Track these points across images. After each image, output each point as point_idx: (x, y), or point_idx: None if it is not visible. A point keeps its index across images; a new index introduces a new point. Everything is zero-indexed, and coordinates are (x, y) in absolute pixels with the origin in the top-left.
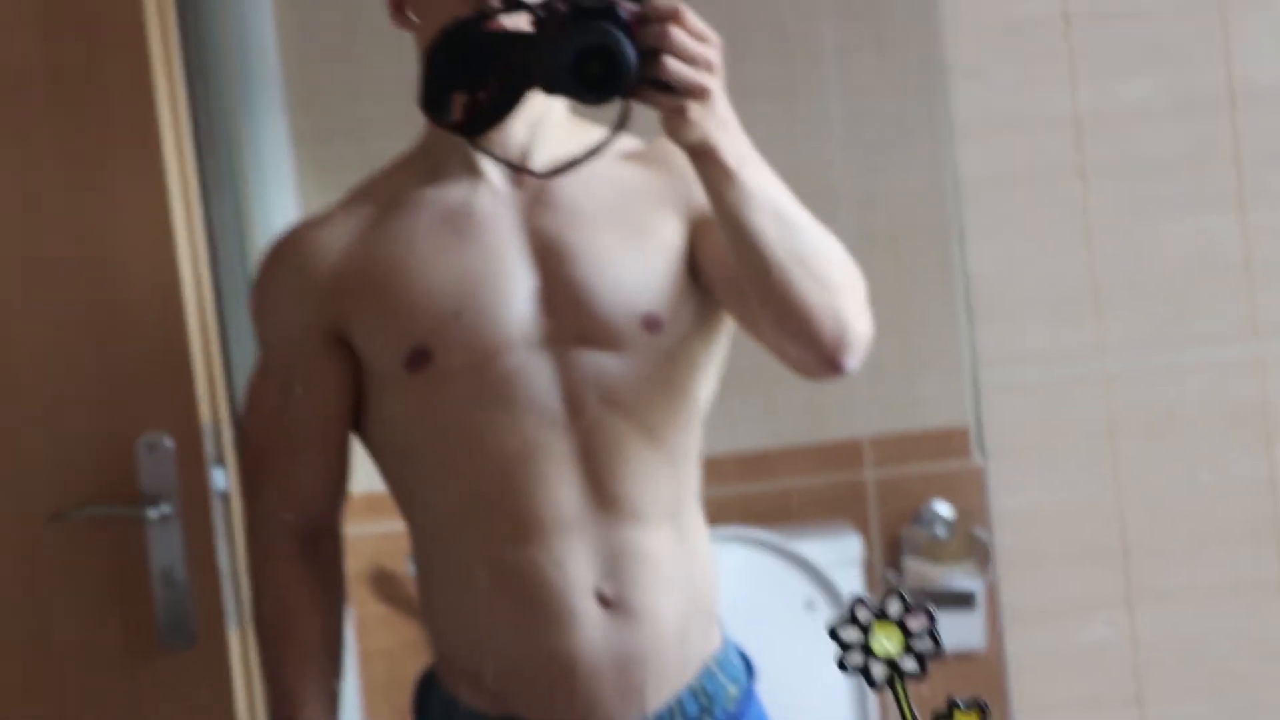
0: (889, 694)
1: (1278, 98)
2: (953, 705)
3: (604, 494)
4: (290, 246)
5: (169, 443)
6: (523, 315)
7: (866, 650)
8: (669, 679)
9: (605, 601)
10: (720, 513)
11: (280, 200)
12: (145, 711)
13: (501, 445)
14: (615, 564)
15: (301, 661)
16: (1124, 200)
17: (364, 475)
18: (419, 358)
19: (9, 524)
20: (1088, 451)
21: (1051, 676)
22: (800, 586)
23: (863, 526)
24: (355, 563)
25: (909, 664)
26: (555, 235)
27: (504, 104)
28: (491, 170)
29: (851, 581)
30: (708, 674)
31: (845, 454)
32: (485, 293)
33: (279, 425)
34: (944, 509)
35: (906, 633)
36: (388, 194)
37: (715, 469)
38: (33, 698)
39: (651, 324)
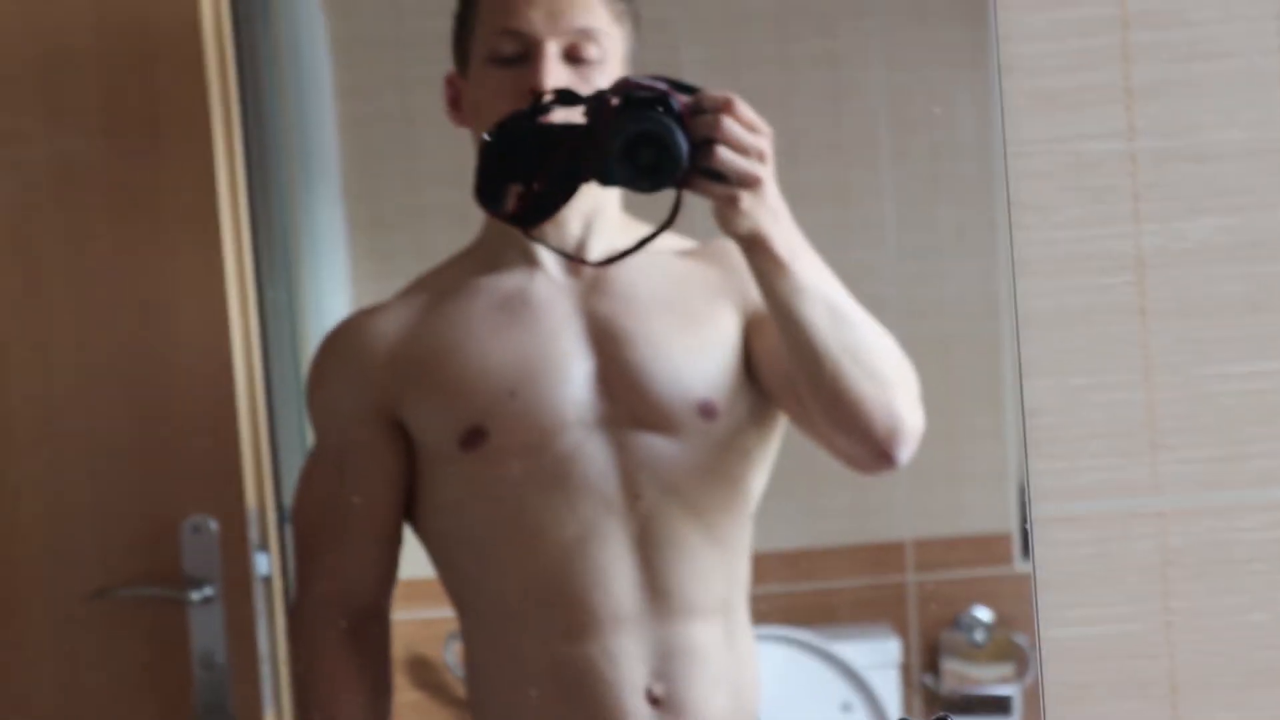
0: None
1: None
2: None
3: (659, 586)
4: (347, 332)
5: (214, 525)
6: (579, 397)
7: None
8: None
9: (655, 700)
10: (760, 612)
11: (334, 289)
12: None
13: (560, 529)
14: (666, 661)
15: None
16: (1183, 340)
17: (405, 562)
18: (474, 437)
19: (50, 602)
20: (1139, 587)
21: None
22: (838, 688)
23: (902, 629)
24: (393, 649)
25: None
26: (612, 320)
27: (558, 195)
28: (548, 259)
29: (889, 684)
30: None
31: (886, 556)
32: (541, 373)
33: (330, 510)
34: (983, 614)
35: None
36: (445, 284)
37: (756, 567)
38: None
39: (707, 411)
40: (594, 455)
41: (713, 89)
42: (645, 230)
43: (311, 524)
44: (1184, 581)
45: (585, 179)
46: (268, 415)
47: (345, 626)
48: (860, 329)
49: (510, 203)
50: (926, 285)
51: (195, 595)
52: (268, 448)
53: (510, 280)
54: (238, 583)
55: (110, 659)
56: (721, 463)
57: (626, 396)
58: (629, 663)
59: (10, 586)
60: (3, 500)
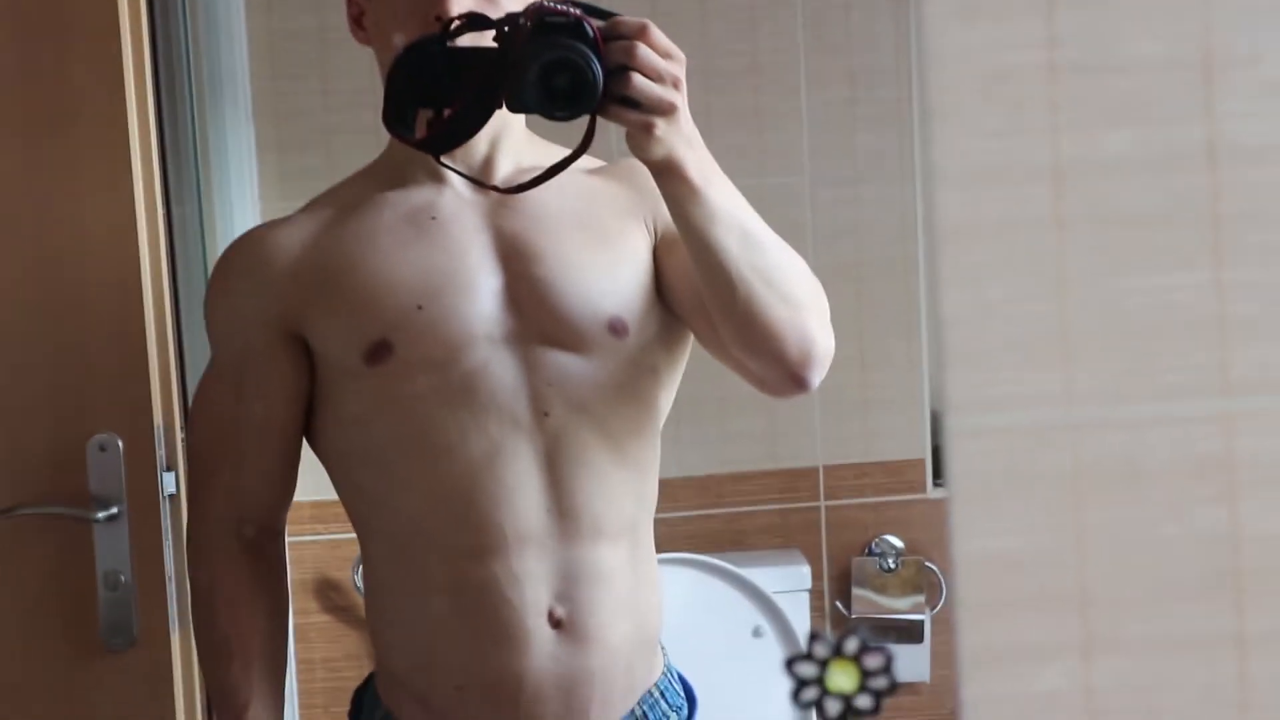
0: None
1: (1256, 156)
2: None
3: (565, 506)
4: (247, 247)
5: (120, 444)
6: (487, 312)
7: (822, 686)
8: (614, 705)
9: (557, 623)
10: (671, 537)
11: (243, 207)
12: (84, 712)
13: (466, 446)
14: (570, 584)
15: (246, 663)
16: (1099, 252)
17: (311, 483)
18: (379, 350)
19: None
20: (1051, 499)
21: None
22: (749, 613)
23: (813, 556)
24: (300, 571)
25: (864, 701)
26: (521, 236)
27: (470, 121)
28: (456, 176)
29: (800, 610)
30: (650, 701)
31: (798, 482)
32: (448, 288)
33: (228, 426)
34: (895, 541)
35: (863, 670)
36: (349, 199)
37: (667, 492)
38: None
39: (617, 328)
40: (502, 372)
41: (626, 14)
42: (550, 149)
43: (208, 441)
44: (1095, 495)
45: (497, 105)
46: (175, 334)
47: (242, 545)
48: (773, 252)
49: (420, 128)
50: (842, 210)
51: (101, 514)
52: (175, 366)
53: (417, 196)
54: (144, 502)
55: (15, 577)
56: (631, 381)
57: (535, 313)
58: (532, 583)
59: None
60: None
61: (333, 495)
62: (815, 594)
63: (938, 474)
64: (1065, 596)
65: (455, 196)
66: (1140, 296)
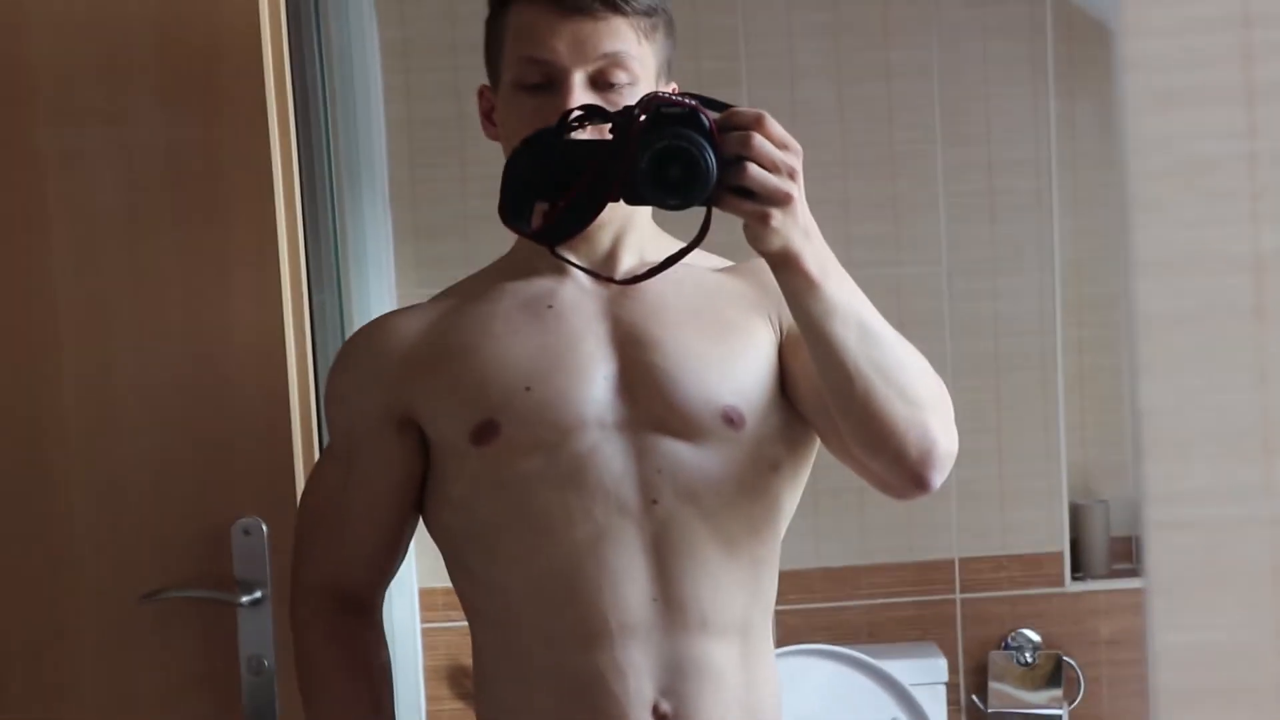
0: None
1: None
2: None
3: (672, 596)
4: (367, 333)
5: (264, 528)
6: (598, 397)
7: None
8: None
9: (661, 717)
10: (808, 628)
11: (380, 295)
12: None
13: (571, 529)
14: (676, 677)
15: None
16: None
17: (445, 570)
18: (485, 430)
19: (103, 602)
20: (1250, 593)
21: None
22: (886, 705)
23: (949, 648)
24: (432, 658)
25: None
26: (638, 325)
27: (584, 212)
28: (578, 259)
29: (937, 703)
30: None
31: (934, 575)
32: (559, 371)
33: (332, 504)
34: (1032, 635)
35: None
36: (473, 289)
37: (804, 583)
38: None
39: (733, 419)
40: (611, 457)
41: (743, 106)
42: (677, 244)
43: (312, 514)
44: None
45: (612, 197)
46: (318, 419)
47: (333, 615)
48: (893, 349)
49: (535, 220)
50: (980, 301)
51: (245, 598)
52: (317, 450)
53: (538, 285)
54: (287, 586)
55: (161, 660)
56: (746, 474)
57: (648, 399)
58: (637, 676)
59: (65, 586)
60: (59, 499)
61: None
62: (951, 687)
63: (1075, 567)
64: (1264, 690)
65: (575, 287)
66: None
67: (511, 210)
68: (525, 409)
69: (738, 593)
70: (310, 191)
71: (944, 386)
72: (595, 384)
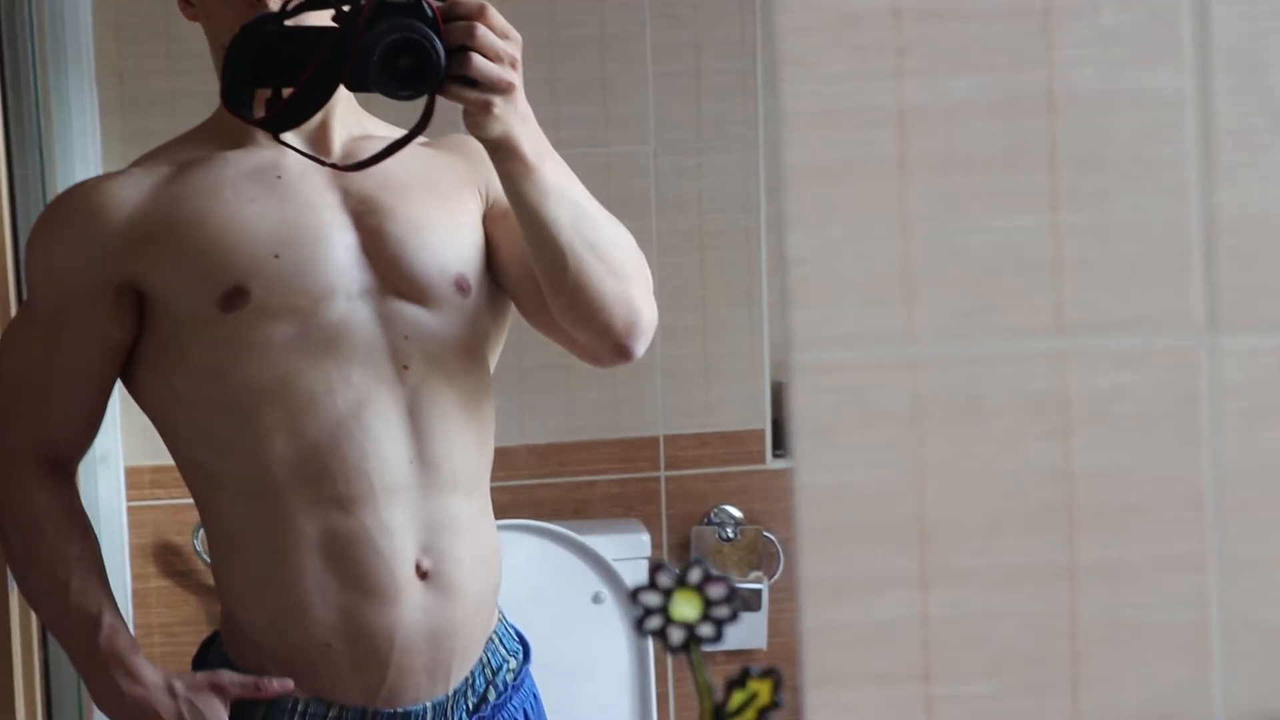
0: (668, 686)
1: (1093, 103)
2: (745, 673)
3: (428, 458)
4: (76, 197)
5: None
6: (343, 265)
7: (666, 615)
8: (470, 654)
9: (424, 574)
10: (513, 504)
11: (86, 169)
12: None
13: (333, 396)
14: (434, 535)
15: (85, 576)
16: (941, 195)
17: (152, 448)
18: (235, 296)
19: None
20: (892, 434)
21: (844, 650)
22: (590, 580)
23: (653, 524)
24: (138, 536)
25: (706, 630)
26: (369, 195)
27: (311, 101)
28: (293, 138)
29: (640, 577)
30: (491, 648)
31: (640, 452)
32: (304, 239)
33: (36, 370)
34: (734, 511)
35: (706, 600)
36: (185, 156)
37: (510, 460)
38: None
39: (462, 286)
40: (362, 324)
41: None
42: (375, 120)
43: (12, 378)
44: (934, 430)
45: (338, 85)
46: (17, 293)
47: (48, 474)
48: (603, 226)
49: (259, 107)
50: (686, 180)
51: None
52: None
53: (260, 156)
54: None
55: None
56: (474, 339)
57: (389, 267)
58: (401, 535)
59: None
60: None
61: (172, 460)
62: (654, 562)
63: (778, 445)
64: (904, 528)
65: (299, 158)
66: (980, 238)
67: (233, 97)
68: (275, 275)
69: (477, 453)
70: (13, 65)
71: (645, 260)
72: (339, 252)
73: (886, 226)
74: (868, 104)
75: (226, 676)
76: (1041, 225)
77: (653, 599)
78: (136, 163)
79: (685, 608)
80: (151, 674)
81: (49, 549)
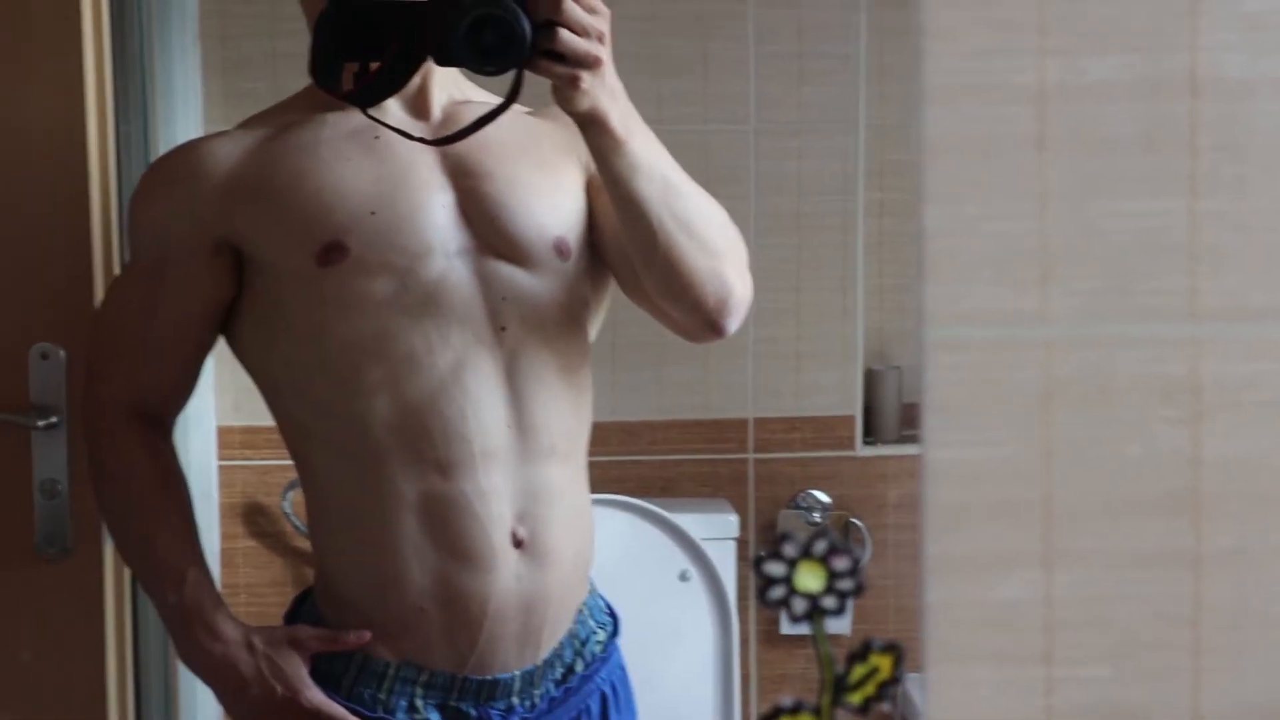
0: (750, 667)
1: (1235, 89)
2: (867, 646)
3: (526, 422)
4: (179, 156)
5: (62, 354)
6: (440, 223)
7: (790, 586)
8: (561, 624)
9: (519, 542)
10: (601, 480)
11: (187, 129)
12: (15, 619)
13: (433, 357)
14: (530, 502)
15: (175, 534)
16: (1079, 175)
17: (244, 408)
18: (332, 251)
19: None
20: (1021, 413)
21: (966, 629)
22: (676, 558)
23: (741, 506)
24: (228, 495)
25: (830, 602)
26: (467, 156)
27: (397, 75)
28: (393, 103)
29: (727, 558)
30: (580, 619)
31: (729, 433)
32: (400, 197)
33: (136, 325)
34: (822, 496)
35: (831, 572)
36: (288, 118)
37: (600, 436)
38: None
39: (562, 249)
40: (460, 284)
41: None
42: (475, 90)
43: (113, 332)
44: (1064, 410)
45: (424, 60)
46: (120, 247)
47: (143, 428)
48: (694, 201)
49: (346, 81)
50: (785, 161)
51: (41, 422)
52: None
53: (359, 118)
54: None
55: None
56: (574, 304)
57: (487, 227)
58: (497, 501)
59: None
60: None
61: (264, 420)
62: (741, 544)
63: (868, 431)
64: (1030, 508)
65: (397, 121)
66: (1117, 220)
67: (322, 70)
68: (372, 231)
69: (574, 420)
70: (120, 23)
71: (740, 235)
72: (436, 211)
73: (1023, 205)
74: (1008, 81)
75: (305, 631)
76: (1179, 210)
77: (777, 569)
78: (239, 125)
79: (809, 579)
80: (232, 630)
81: (140, 501)
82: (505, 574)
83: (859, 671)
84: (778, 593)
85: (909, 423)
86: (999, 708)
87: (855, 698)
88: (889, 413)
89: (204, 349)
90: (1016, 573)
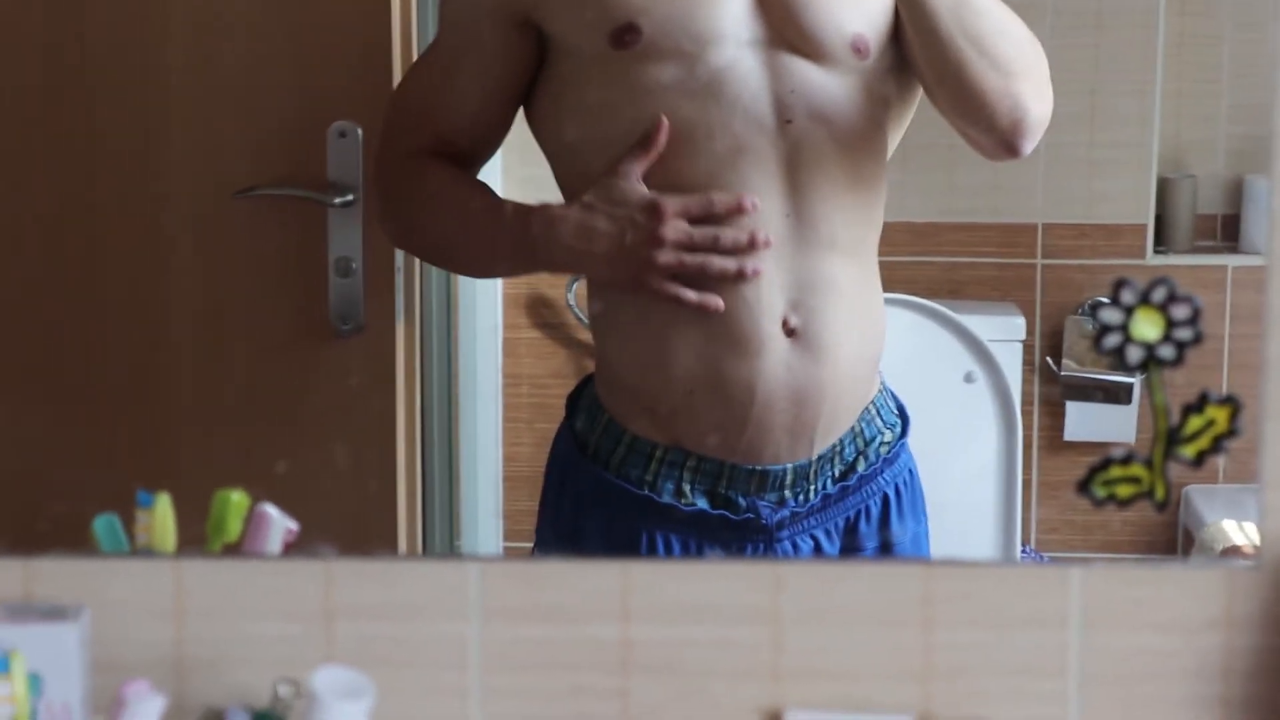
0: (1032, 473)
1: None
2: (1204, 398)
3: (804, 213)
4: None
5: (359, 132)
6: (734, 11)
7: (1126, 333)
8: (839, 419)
9: (791, 331)
10: (888, 280)
11: None
12: (310, 393)
13: (712, 142)
14: (805, 293)
15: (485, 197)
16: None
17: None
18: (626, 32)
19: (196, 197)
20: None
21: None
22: (962, 359)
23: (1028, 311)
24: (511, 286)
25: (1167, 351)
26: None
27: None
28: None
29: (1013, 360)
30: (866, 418)
31: (1018, 237)
32: None
33: (438, 91)
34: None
35: (1169, 320)
36: None
37: (887, 236)
38: (201, 370)
39: (859, 47)
40: (748, 73)
41: None
42: None
43: (412, 98)
44: None
45: None
46: (419, 26)
47: (437, 159)
48: (988, 17)
49: None
50: None
51: (337, 200)
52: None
53: None
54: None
55: (250, 257)
56: (867, 104)
57: (782, 20)
58: (770, 289)
59: (160, 180)
60: (155, 92)
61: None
62: (1027, 347)
63: (1159, 241)
64: None
65: None
66: None
67: None
68: (666, 14)
69: (859, 215)
70: None
71: (1040, 50)
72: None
73: None
74: None
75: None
76: None
77: (1113, 316)
78: None
79: (1146, 327)
80: (561, 209)
81: (441, 191)
82: (774, 361)
83: (1195, 423)
84: (1113, 340)
85: (1202, 234)
86: None
87: (1189, 450)
88: (1182, 222)
89: (503, 121)
90: None
